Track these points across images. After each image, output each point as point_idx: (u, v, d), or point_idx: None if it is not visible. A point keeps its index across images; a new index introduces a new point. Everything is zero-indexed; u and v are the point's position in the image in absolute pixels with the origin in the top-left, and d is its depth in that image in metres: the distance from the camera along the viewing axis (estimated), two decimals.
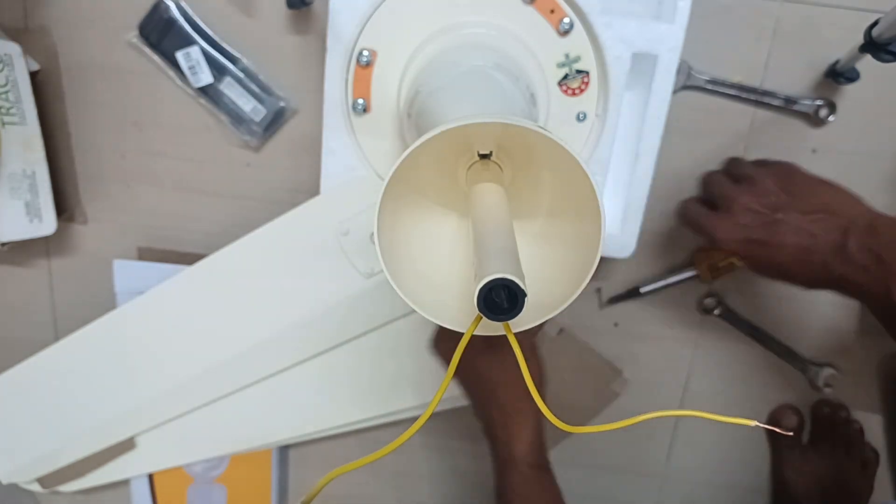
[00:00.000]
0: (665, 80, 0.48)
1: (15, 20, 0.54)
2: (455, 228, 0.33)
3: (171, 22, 0.52)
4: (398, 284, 0.28)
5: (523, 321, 0.28)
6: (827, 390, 0.60)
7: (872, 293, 0.42)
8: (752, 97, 0.52)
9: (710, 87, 0.52)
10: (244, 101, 0.53)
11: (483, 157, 0.31)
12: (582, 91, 0.47)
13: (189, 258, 0.59)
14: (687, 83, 0.52)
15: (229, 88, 0.53)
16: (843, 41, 0.50)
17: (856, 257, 0.41)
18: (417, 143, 0.27)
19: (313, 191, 0.57)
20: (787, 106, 0.52)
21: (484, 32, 0.45)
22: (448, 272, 0.32)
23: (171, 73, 0.54)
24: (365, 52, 0.46)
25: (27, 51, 0.52)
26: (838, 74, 0.51)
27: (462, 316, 0.30)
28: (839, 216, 0.44)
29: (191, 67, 0.53)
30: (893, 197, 0.55)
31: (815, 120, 0.53)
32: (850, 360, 0.60)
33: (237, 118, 0.54)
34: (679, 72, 0.51)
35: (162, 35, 0.52)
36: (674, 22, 0.47)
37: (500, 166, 0.32)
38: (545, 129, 0.27)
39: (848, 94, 0.53)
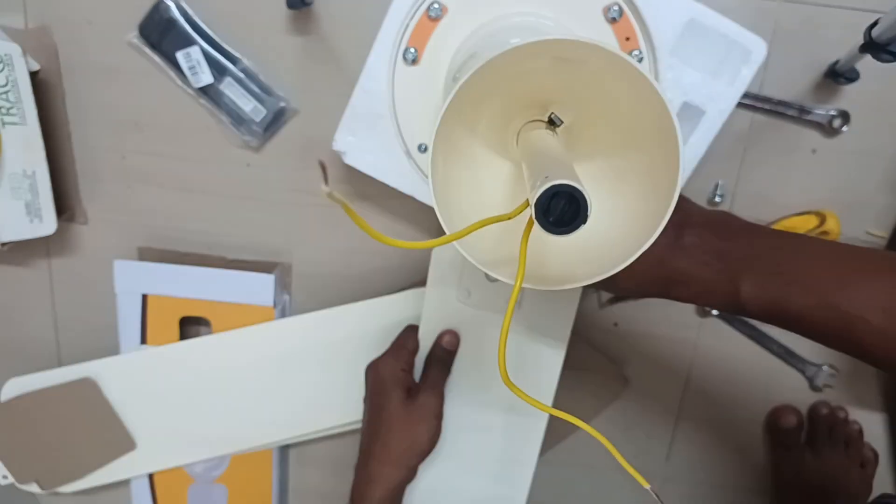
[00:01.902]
0: (705, 136, 0.48)
1: (15, 20, 0.54)
2: (501, 177, 0.33)
3: (172, 22, 0.52)
4: (443, 215, 0.28)
5: (589, 275, 0.28)
6: (826, 390, 0.60)
7: (716, 290, 0.37)
8: (767, 107, 0.52)
9: None
10: (244, 101, 0.53)
11: (549, 122, 0.31)
12: None
13: (190, 258, 0.59)
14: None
15: (229, 88, 0.53)
16: (842, 41, 0.50)
17: (693, 251, 0.37)
18: (489, 58, 0.26)
19: (314, 190, 0.57)
20: (801, 116, 0.53)
21: (554, 27, 0.45)
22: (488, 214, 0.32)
23: (172, 73, 0.54)
24: (437, 5, 0.44)
25: (27, 51, 0.51)
26: (838, 75, 0.51)
27: (497, 258, 0.29)
28: (687, 213, 0.39)
29: (191, 67, 0.53)
30: (893, 197, 0.55)
31: (828, 130, 0.53)
32: (849, 360, 0.60)
33: (237, 118, 0.54)
34: None
35: (162, 35, 0.52)
36: (732, 85, 0.48)
37: (555, 130, 0.31)
38: (619, 51, 0.26)
39: (848, 95, 0.53)
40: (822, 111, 0.52)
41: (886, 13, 0.42)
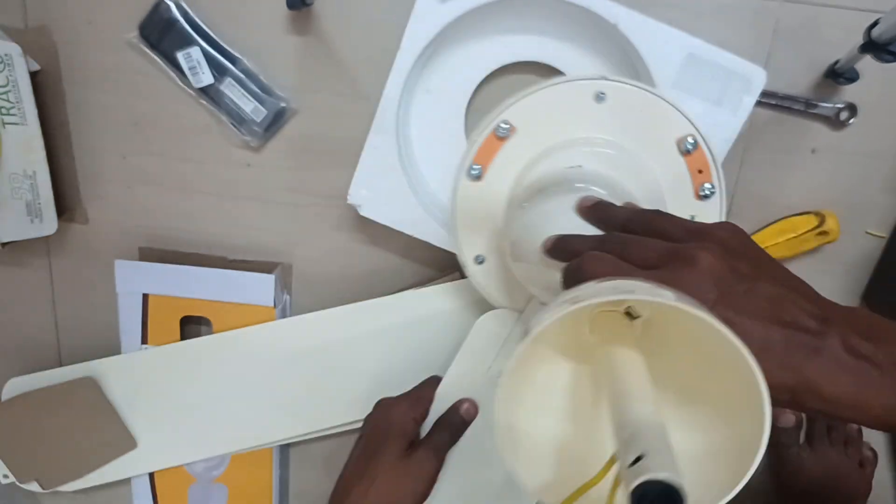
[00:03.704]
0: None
1: (15, 20, 0.54)
2: (570, 379, 0.30)
3: (172, 22, 0.52)
4: (505, 452, 0.27)
5: None
6: None
7: (869, 404, 0.29)
8: (773, 101, 0.52)
9: None
10: (245, 101, 0.53)
11: (628, 314, 0.30)
12: None
13: (191, 258, 0.59)
14: None
15: (230, 89, 0.53)
16: (843, 41, 0.50)
17: (835, 356, 0.29)
18: (577, 306, 0.25)
19: (314, 190, 0.57)
20: (808, 110, 0.53)
21: (620, 158, 0.44)
22: (554, 432, 0.30)
23: (172, 73, 0.54)
24: (504, 125, 0.44)
25: (27, 51, 0.51)
26: (838, 75, 0.51)
27: (557, 487, 0.27)
28: (812, 301, 0.31)
29: (191, 68, 0.53)
30: (893, 197, 0.55)
31: (835, 123, 0.53)
32: None
33: (238, 118, 0.54)
34: None
35: (162, 35, 0.52)
36: (735, 114, 0.48)
37: (633, 315, 0.30)
38: (716, 321, 0.23)
39: (848, 95, 0.53)
40: (828, 104, 0.52)
41: (886, 13, 0.42)
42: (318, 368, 0.58)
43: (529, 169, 0.44)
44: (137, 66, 0.54)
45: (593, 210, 0.37)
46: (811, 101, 0.52)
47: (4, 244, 0.55)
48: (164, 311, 0.58)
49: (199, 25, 0.53)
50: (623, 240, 0.33)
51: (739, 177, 0.55)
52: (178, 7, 0.52)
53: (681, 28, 0.48)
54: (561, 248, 0.36)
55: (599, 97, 0.43)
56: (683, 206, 0.45)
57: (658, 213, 0.36)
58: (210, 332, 0.59)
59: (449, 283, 0.56)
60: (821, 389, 0.29)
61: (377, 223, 0.57)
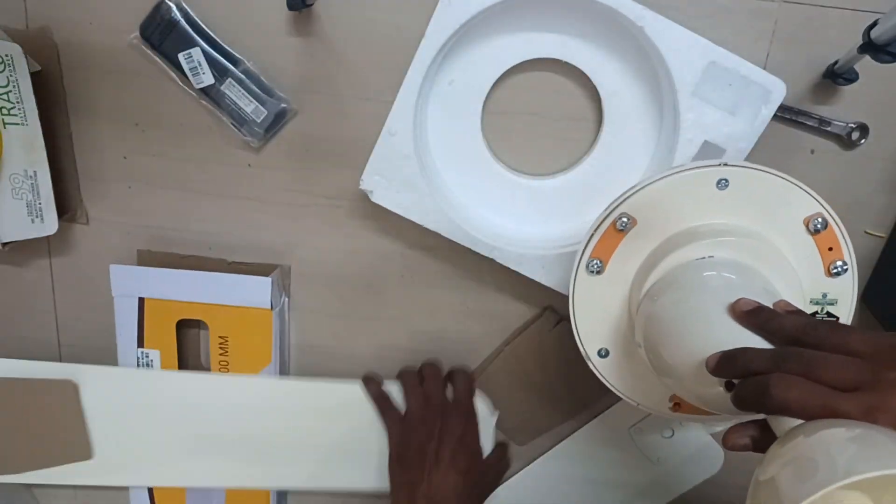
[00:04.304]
0: None
1: (16, 21, 0.54)
2: None
3: (173, 23, 0.52)
4: None
5: None
6: None
7: None
8: (787, 116, 0.53)
9: None
10: (245, 102, 0.54)
11: None
12: None
13: (189, 261, 0.59)
14: None
15: (230, 89, 0.53)
16: (841, 42, 0.50)
17: None
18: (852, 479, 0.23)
19: (315, 191, 0.57)
20: (821, 126, 0.53)
21: (750, 245, 0.42)
22: None
23: (173, 73, 0.54)
24: (625, 218, 0.43)
25: (28, 51, 0.52)
26: (837, 75, 0.51)
27: None
28: None
29: (192, 69, 0.53)
30: (892, 197, 0.55)
31: (846, 142, 0.53)
32: None
33: (238, 119, 0.54)
34: None
35: (163, 36, 0.52)
36: (752, 125, 0.48)
37: None
38: None
39: (846, 95, 0.53)
40: (841, 123, 0.52)
41: (885, 14, 0.42)
42: (296, 431, 0.59)
43: (655, 260, 0.43)
44: (138, 66, 0.54)
45: (754, 317, 0.35)
46: (825, 119, 0.52)
47: (5, 244, 0.55)
48: (160, 314, 0.58)
49: (200, 26, 0.53)
50: (808, 358, 0.30)
51: None
52: (179, 8, 0.52)
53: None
54: (730, 364, 0.33)
55: (722, 184, 0.42)
56: (814, 284, 0.44)
57: (834, 324, 0.34)
58: (206, 336, 0.59)
59: None
60: None
61: (376, 224, 0.58)
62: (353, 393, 0.56)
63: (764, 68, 0.49)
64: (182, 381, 0.59)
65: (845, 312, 0.45)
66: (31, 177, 0.54)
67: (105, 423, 0.60)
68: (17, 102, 0.52)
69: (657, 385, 0.44)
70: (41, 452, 0.60)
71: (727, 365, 0.33)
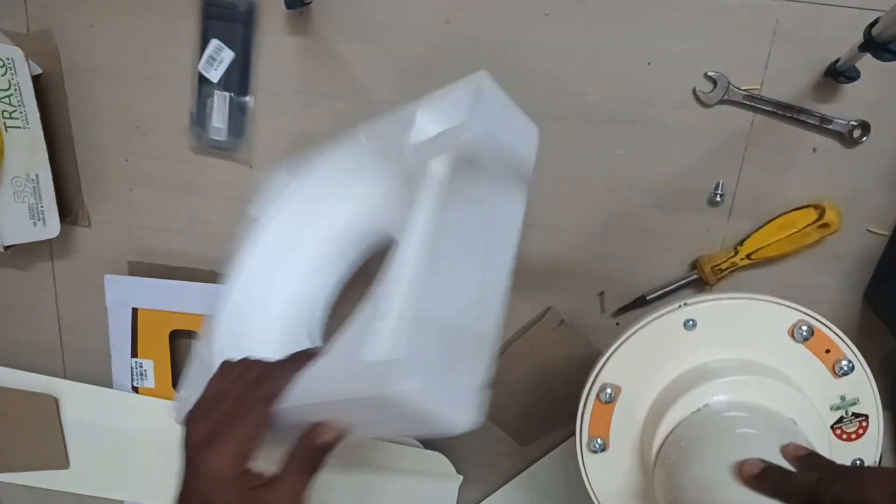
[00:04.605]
0: None
1: (17, 24, 0.54)
2: None
3: (242, 16, 0.52)
4: None
5: None
6: None
7: None
8: (788, 114, 0.52)
9: (747, 102, 0.52)
10: (218, 119, 0.54)
11: None
12: (859, 436, 0.44)
13: (180, 272, 0.59)
14: (724, 97, 0.52)
15: (218, 100, 0.54)
16: (843, 40, 0.50)
17: None
18: None
19: None
20: (823, 125, 0.52)
21: (749, 377, 0.41)
22: None
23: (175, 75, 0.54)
24: (608, 389, 0.43)
25: (29, 55, 0.52)
26: (838, 73, 0.51)
27: None
28: None
29: (211, 57, 0.53)
30: (893, 197, 0.55)
31: (848, 140, 0.53)
32: None
33: (200, 122, 0.55)
34: (718, 86, 0.51)
35: (221, 16, 0.53)
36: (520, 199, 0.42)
37: None
38: None
39: (848, 94, 0.53)
40: (842, 121, 0.52)
41: (886, 12, 0.42)
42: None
43: (655, 423, 0.42)
44: (139, 69, 0.54)
45: (764, 482, 0.34)
46: (826, 117, 0.52)
47: (8, 247, 0.55)
48: (153, 324, 0.58)
49: (250, 45, 0.53)
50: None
51: (741, 176, 0.55)
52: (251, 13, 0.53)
53: (681, 27, 0.48)
54: None
55: (689, 324, 0.41)
56: (826, 390, 0.43)
57: (848, 477, 0.33)
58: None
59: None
60: None
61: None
62: None
63: (765, 67, 0.49)
64: (155, 408, 0.59)
65: (871, 406, 0.43)
66: (32, 180, 0.54)
67: (83, 437, 0.60)
68: (19, 105, 0.52)
69: None
70: (18, 456, 0.61)
71: None
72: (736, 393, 0.40)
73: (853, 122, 0.52)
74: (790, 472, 0.34)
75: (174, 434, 0.56)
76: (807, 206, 0.54)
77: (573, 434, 0.62)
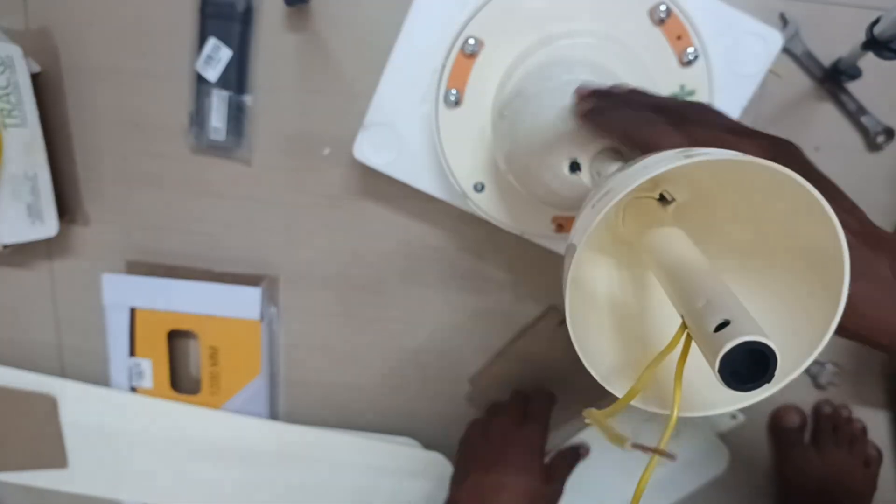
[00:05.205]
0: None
1: (16, 22, 0.54)
2: (611, 281, 0.30)
3: (240, 14, 0.52)
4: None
5: (733, 400, 0.25)
6: (830, 388, 0.60)
7: None
8: (831, 87, 0.51)
9: (803, 59, 0.51)
10: (217, 118, 0.54)
11: (662, 200, 0.28)
12: None
13: (178, 271, 0.59)
14: (787, 45, 0.50)
15: (217, 99, 0.53)
16: (845, 39, 0.50)
17: (891, 281, 0.28)
18: (631, 186, 0.23)
19: (312, 191, 0.57)
20: (857, 114, 0.52)
21: (599, 45, 0.42)
22: (609, 322, 0.29)
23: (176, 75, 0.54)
24: (471, 41, 0.42)
25: (28, 53, 0.51)
26: (840, 72, 0.51)
27: (613, 365, 0.28)
28: (867, 222, 0.30)
29: (209, 56, 0.52)
30: (893, 196, 0.55)
31: (871, 143, 0.53)
32: (853, 358, 0.60)
33: (198, 122, 0.54)
34: (787, 28, 0.50)
35: (217, 15, 0.52)
36: (752, 77, 0.46)
37: (667, 200, 0.28)
38: (787, 170, 0.22)
39: (850, 92, 0.52)
40: (873, 119, 0.52)
41: (888, 10, 0.42)
42: (269, 476, 0.59)
43: (506, 80, 0.42)
44: (139, 67, 0.54)
45: (601, 98, 0.33)
46: (862, 107, 0.52)
47: (6, 246, 0.55)
48: (151, 324, 0.58)
49: (248, 45, 0.53)
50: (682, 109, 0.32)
51: None
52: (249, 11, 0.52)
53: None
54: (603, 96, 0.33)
55: None
56: (668, 75, 0.43)
57: (698, 103, 0.34)
58: (197, 345, 0.59)
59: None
60: (864, 312, 0.28)
61: (376, 225, 0.57)
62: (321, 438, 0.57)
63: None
64: (154, 409, 0.59)
65: (704, 100, 0.44)
66: (31, 178, 0.53)
67: (81, 437, 0.60)
68: (18, 104, 0.51)
69: (535, 208, 0.44)
70: (15, 456, 0.61)
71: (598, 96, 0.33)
72: (585, 54, 0.41)
73: (880, 127, 0.52)
74: (635, 88, 0.35)
75: (173, 434, 0.56)
76: None
77: (573, 434, 0.62)
